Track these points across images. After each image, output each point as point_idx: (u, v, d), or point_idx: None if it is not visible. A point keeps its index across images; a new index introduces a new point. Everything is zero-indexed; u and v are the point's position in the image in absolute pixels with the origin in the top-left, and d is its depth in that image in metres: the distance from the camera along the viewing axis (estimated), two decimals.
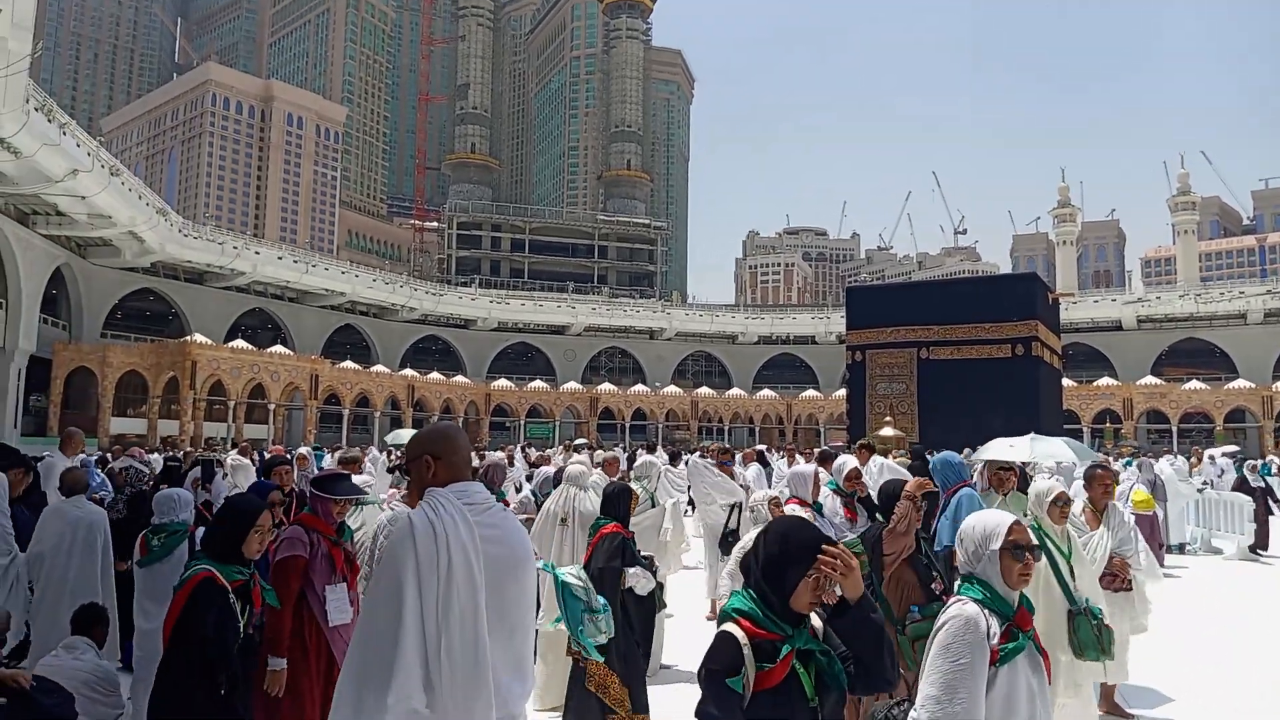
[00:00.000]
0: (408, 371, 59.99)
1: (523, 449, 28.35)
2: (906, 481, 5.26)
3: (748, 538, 5.36)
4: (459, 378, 64.22)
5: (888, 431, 25.08)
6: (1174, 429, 54.58)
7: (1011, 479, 7.37)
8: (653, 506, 8.19)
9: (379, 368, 58.63)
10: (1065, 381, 44.91)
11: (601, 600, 5.03)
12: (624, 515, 5.97)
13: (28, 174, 35.01)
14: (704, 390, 68.56)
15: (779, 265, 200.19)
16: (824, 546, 2.44)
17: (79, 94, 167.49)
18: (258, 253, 60.11)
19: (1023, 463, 9.18)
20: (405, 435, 31.16)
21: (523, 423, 62.28)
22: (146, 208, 45.57)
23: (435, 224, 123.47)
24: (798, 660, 2.38)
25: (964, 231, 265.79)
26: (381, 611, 2.37)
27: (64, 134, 34.62)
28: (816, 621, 2.52)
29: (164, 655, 3.87)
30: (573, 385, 67.24)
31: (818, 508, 6.70)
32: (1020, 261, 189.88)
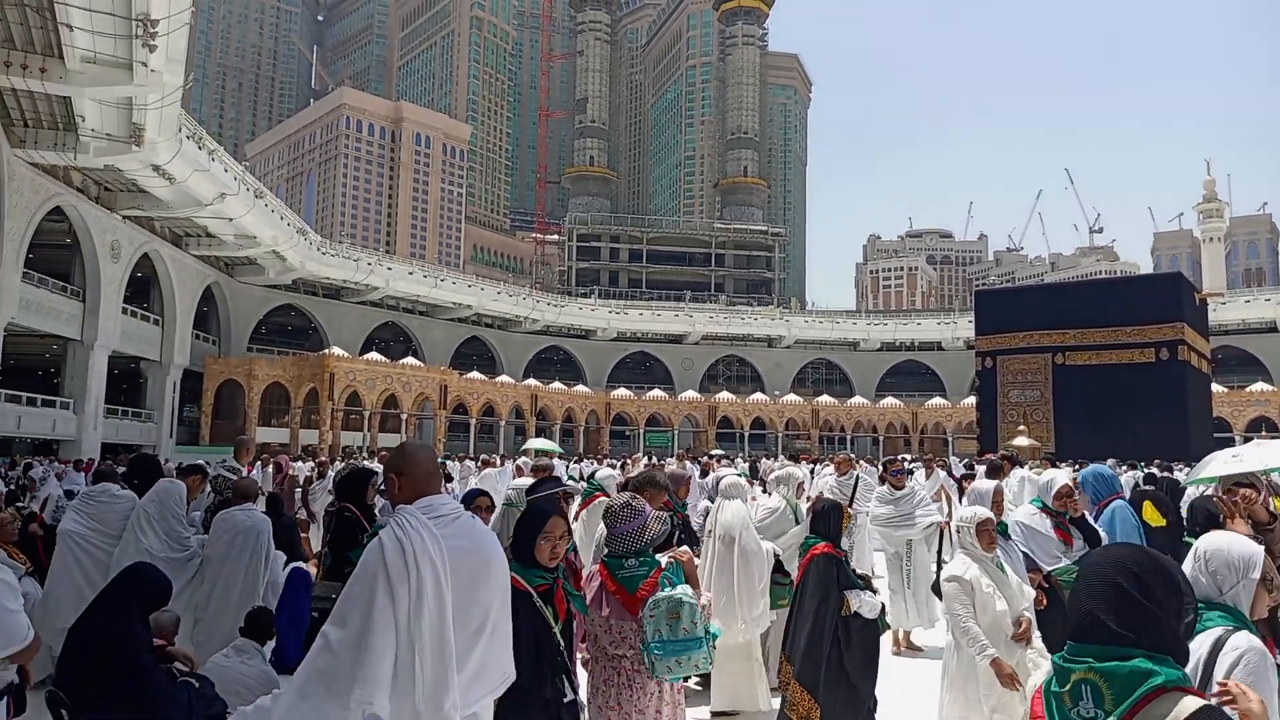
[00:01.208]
0: (531, 381, 61.41)
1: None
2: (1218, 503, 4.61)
3: (959, 564, 5.09)
4: (580, 387, 65.32)
5: (1022, 441, 24.19)
6: None
7: (1254, 498, 5.69)
8: (795, 523, 7.51)
9: (504, 378, 60.23)
10: (1215, 387, 42.26)
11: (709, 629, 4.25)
12: (836, 534, 5.68)
13: (180, 198, 37.55)
14: (825, 398, 67.54)
15: (901, 269, 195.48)
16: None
17: (225, 121, 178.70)
18: (390, 268, 62.66)
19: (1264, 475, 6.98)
20: (539, 443, 31.94)
21: (642, 431, 62.80)
22: (288, 228, 48.21)
23: (556, 236, 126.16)
24: None
25: (1100, 230, 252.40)
26: (350, 622, 2.48)
27: (213, 160, 36.98)
28: None
29: None
30: (691, 394, 67.37)
31: (1002, 529, 5.85)
32: (1163, 260, 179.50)
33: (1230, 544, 2.81)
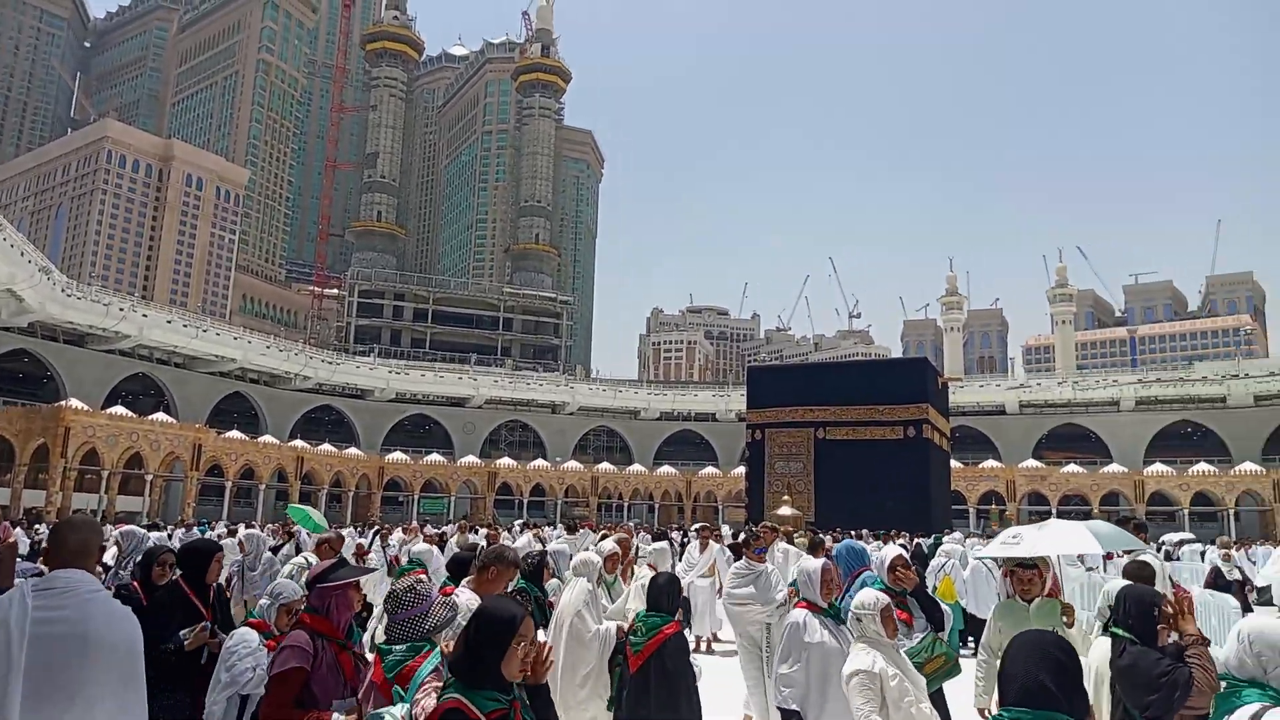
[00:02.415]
0: (297, 443, 57.86)
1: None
2: (1153, 590, 4.54)
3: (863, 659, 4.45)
4: (352, 450, 62.26)
5: (785, 510, 25.24)
6: (1054, 510, 56.71)
7: (1037, 580, 5.84)
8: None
9: (267, 438, 56.42)
10: (953, 463, 46.27)
11: None
12: (677, 609, 5.45)
13: None
14: (604, 466, 68.16)
15: (681, 343, 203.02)
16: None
17: None
18: (145, 315, 57.71)
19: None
20: (309, 513, 29.78)
21: (416, 497, 60.55)
22: (28, 265, 43.44)
23: (335, 290, 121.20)
24: None
25: (858, 315, 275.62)
26: None
27: None
28: None
29: None
30: (471, 459, 65.95)
31: (834, 612, 5.48)
32: (911, 346, 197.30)
33: (1275, 628, 2.94)
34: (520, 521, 35.18)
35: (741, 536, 11.59)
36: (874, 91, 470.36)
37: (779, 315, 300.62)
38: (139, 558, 6.35)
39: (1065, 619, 5.46)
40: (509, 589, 5.48)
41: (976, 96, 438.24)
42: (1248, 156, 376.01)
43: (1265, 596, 19.34)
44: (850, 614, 4.82)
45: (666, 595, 5.63)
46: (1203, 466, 57.91)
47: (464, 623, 4.74)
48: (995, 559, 8.76)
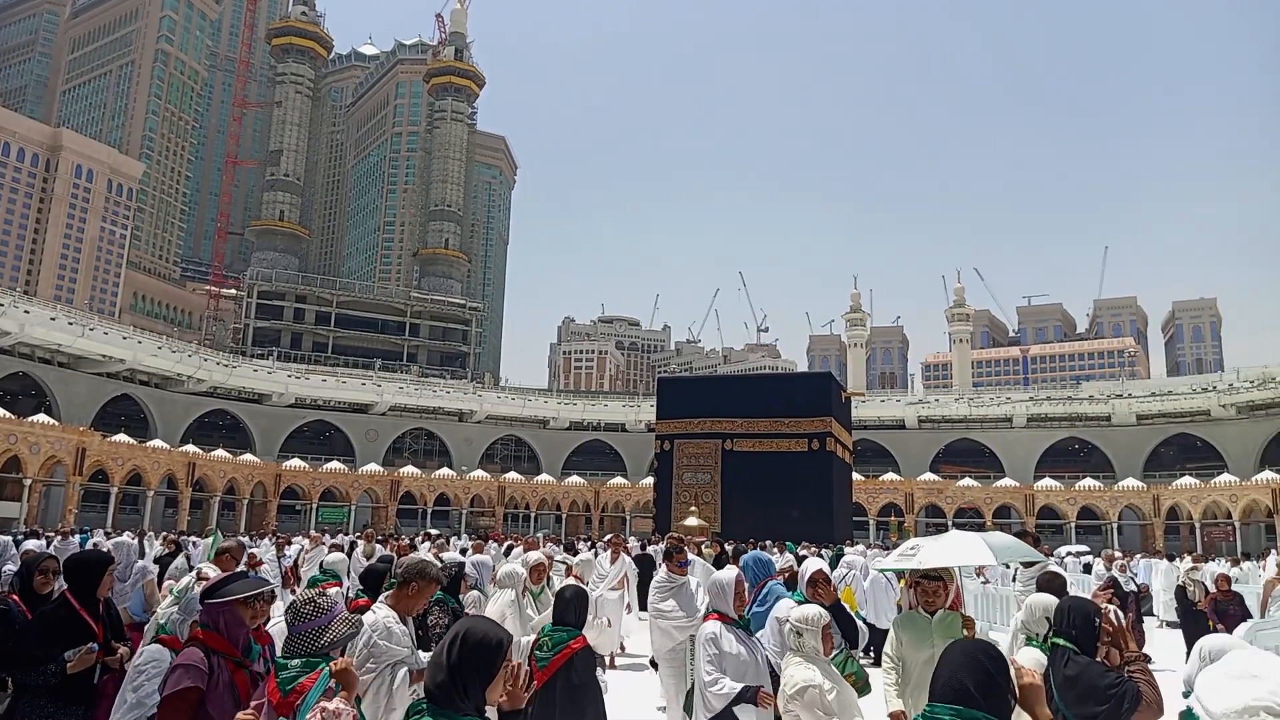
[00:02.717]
0: (189, 448, 55.47)
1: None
2: (1092, 602, 4.47)
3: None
4: (247, 456, 60.06)
5: (692, 521, 25.40)
6: (950, 522, 58.57)
7: (942, 592, 5.64)
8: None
9: (157, 442, 53.96)
10: (855, 475, 47.32)
11: None
12: (583, 622, 5.37)
13: None
14: (512, 475, 67.42)
15: (593, 352, 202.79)
16: None
17: None
18: (27, 311, 54.70)
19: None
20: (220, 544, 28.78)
21: (315, 506, 58.74)
22: None
23: (233, 291, 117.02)
24: None
25: (766, 329, 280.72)
26: None
27: None
28: None
29: None
30: (373, 467, 64.37)
31: (745, 624, 5.46)
32: (816, 361, 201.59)
33: (1235, 646, 2.95)
34: (434, 533, 34.43)
35: (663, 548, 11.44)
36: (783, 112, 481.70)
37: (690, 327, 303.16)
38: (13, 566, 5.97)
39: (965, 632, 5.46)
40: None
41: (880, 121, 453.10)
42: (1132, 187, 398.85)
43: (1147, 606, 20.25)
44: (789, 627, 4.82)
45: (573, 608, 5.52)
46: (1089, 482, 60.67)
47: (380, 641, 4.53)
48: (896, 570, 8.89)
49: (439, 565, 5.78)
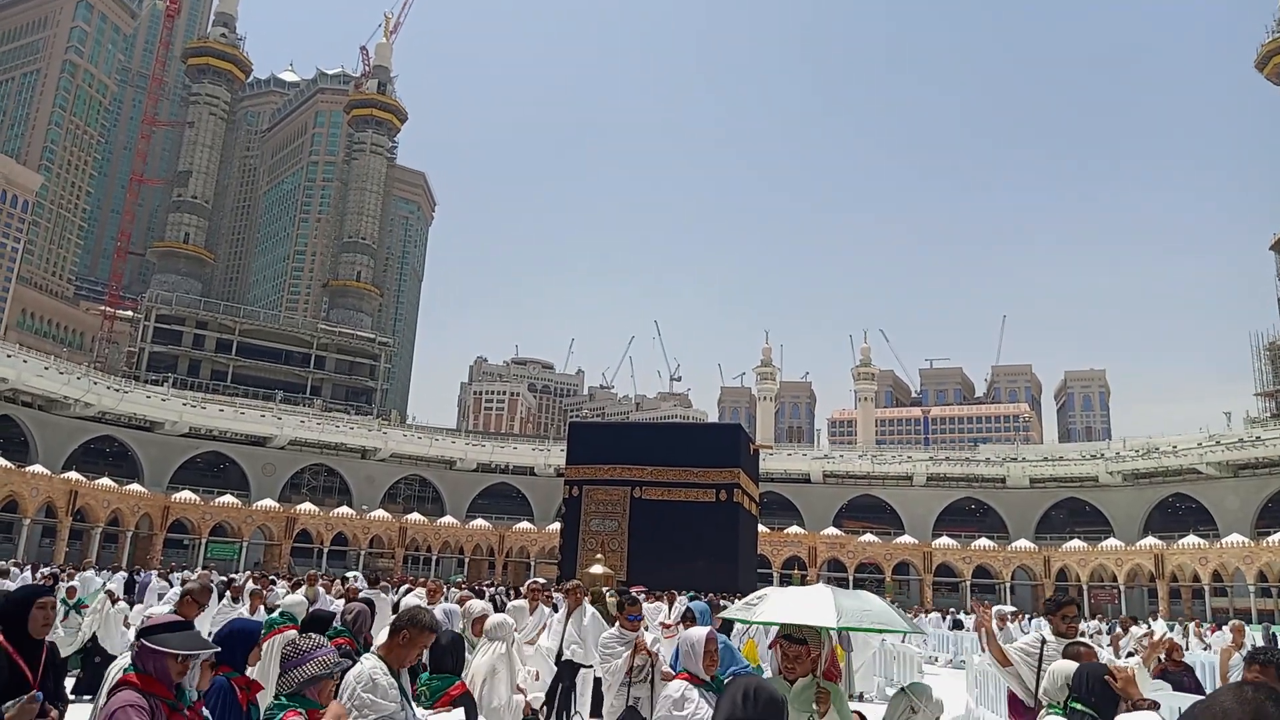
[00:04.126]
0: (72, 475, 52.49)
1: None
2: (1104, 665, 4.46)
3: None
4: (134, 485, 57.15)
5: (598, 569, 25.03)
6: (850, 577, 59.47)
7: (805, 658, 4.71)
8: None
9: (37, 467, 50.95)
10: (760, 527, 47.71)
11: None
12: (461, 668, 5.24)
13: None
14: (414, 516, 65.74)
15: (504, 394, 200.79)
16: None
17: None
18: None
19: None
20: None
21: (204, 541, 56.10)
22: None
23: (130, 313, 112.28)
24: None
25: (679, 379, 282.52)
26: None
27: None
28: None
29: None
30: (269, 502, 61.98)
31: (715, 686, 4.99)
32: (726, 411, 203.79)
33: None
34: (338, 575, 33.24)
35: (615, 599, 11.14)
36: (701, 165, 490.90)
37: (603, 373, 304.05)
38: None
39: (818, 708, 4.61)
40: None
41: (793, 179, 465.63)
42: (1031, 258, 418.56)
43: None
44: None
45: (450, 655, 5.34)
46: (984, 542, 62.53)
47: (364, 694, 4.21)
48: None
49: (433, 614, 5.28)
